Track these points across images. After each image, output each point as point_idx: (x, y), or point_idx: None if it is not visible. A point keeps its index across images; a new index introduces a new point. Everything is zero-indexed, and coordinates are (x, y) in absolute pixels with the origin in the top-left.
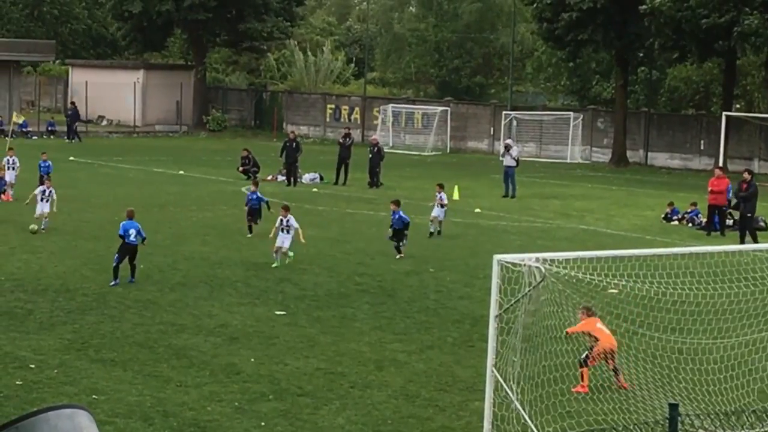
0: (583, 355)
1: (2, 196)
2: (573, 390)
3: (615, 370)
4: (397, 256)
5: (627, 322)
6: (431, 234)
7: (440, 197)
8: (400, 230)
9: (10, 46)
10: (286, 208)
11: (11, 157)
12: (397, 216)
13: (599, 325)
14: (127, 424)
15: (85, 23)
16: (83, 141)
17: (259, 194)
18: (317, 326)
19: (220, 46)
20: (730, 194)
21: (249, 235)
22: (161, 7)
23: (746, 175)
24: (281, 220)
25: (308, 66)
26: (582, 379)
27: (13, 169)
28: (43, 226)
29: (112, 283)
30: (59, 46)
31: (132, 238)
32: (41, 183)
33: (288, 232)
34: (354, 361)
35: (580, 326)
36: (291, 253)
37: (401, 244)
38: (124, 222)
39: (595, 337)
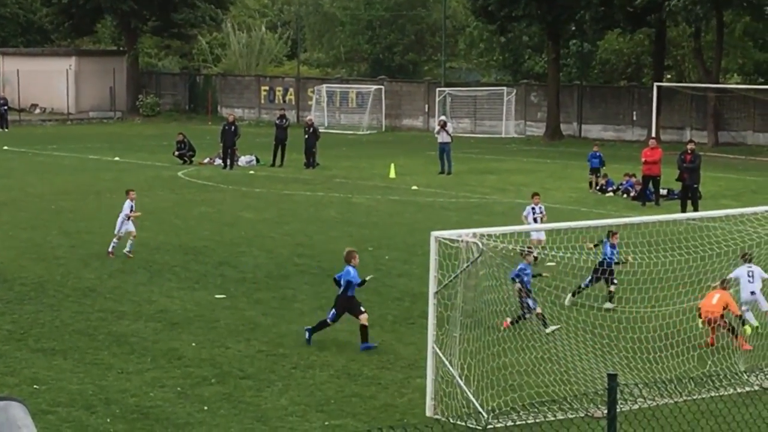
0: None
1: None
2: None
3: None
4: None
5: (566, 293)
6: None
7: (540, 210)
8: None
9: None
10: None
11: None
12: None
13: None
14: (69, 413)
15: (12, 9)
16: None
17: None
18: (258, 308)
19: (148, 33)
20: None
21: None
22: None
23: (691, 146)
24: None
25: (243, 48)
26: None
27: None
28: None
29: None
30: None
31: None
32: None
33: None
34: (295, 343)
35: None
36: None
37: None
38: None
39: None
